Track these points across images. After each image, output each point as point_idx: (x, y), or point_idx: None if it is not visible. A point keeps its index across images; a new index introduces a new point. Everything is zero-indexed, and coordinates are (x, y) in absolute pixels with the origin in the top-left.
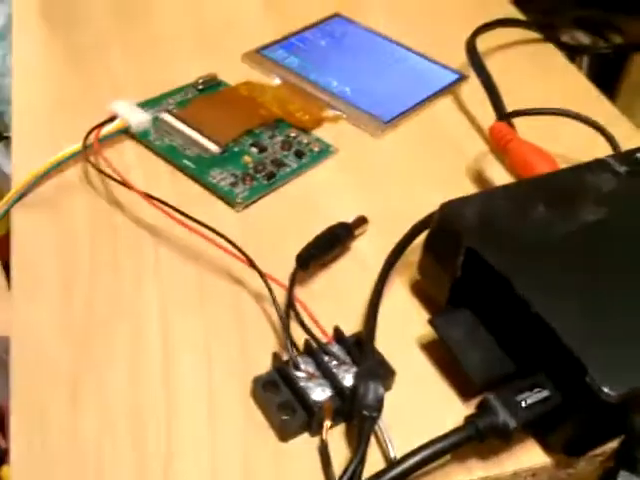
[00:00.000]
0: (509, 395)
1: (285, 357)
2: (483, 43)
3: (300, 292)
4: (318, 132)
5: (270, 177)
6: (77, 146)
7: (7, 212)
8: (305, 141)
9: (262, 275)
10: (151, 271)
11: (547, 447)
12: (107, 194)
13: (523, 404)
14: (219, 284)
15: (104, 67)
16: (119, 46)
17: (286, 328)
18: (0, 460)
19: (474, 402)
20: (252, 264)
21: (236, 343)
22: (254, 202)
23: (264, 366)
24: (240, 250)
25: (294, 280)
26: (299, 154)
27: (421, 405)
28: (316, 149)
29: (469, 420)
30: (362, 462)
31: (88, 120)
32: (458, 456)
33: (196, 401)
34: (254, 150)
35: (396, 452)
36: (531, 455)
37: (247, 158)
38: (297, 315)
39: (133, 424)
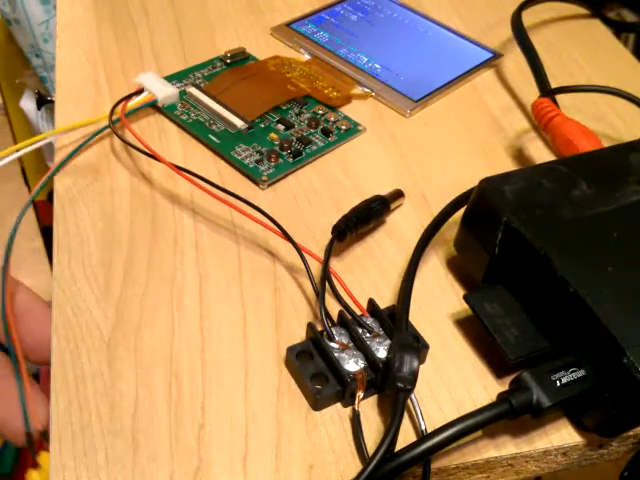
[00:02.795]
0: (544, 373)
1: (319, 328)
2: (528, 18)
3: (335, 264)
4: (346, 109)
5: (296, 155)
6: (102, 115)
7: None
8: (332, 119)
9: (296, 247)
10: (186, 239)
11: (580, 426)
12: (135, 166)
13: (558, 383)
14: (253, 255)
15: (144, 35)
16: (157, 15)
17: (321, 299)
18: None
19: (507, 380)
20: (286, 236)
21: (271, 313)
22: (280, 180)
23: (298, 336)
24: (274, 222)
25: (330, 250)
26: (326, 132)
27: (453, 380)
28: (344, 127)
29: (502, 396)
30: (396, 434)
31: (129, 87)
32: (489, 432)
33: (231, 368)
34: (280, 127)
35: (427, 426)
36: (562, 434)
37: (273, 135)
38: (332, 286)
39: (169, 389)
